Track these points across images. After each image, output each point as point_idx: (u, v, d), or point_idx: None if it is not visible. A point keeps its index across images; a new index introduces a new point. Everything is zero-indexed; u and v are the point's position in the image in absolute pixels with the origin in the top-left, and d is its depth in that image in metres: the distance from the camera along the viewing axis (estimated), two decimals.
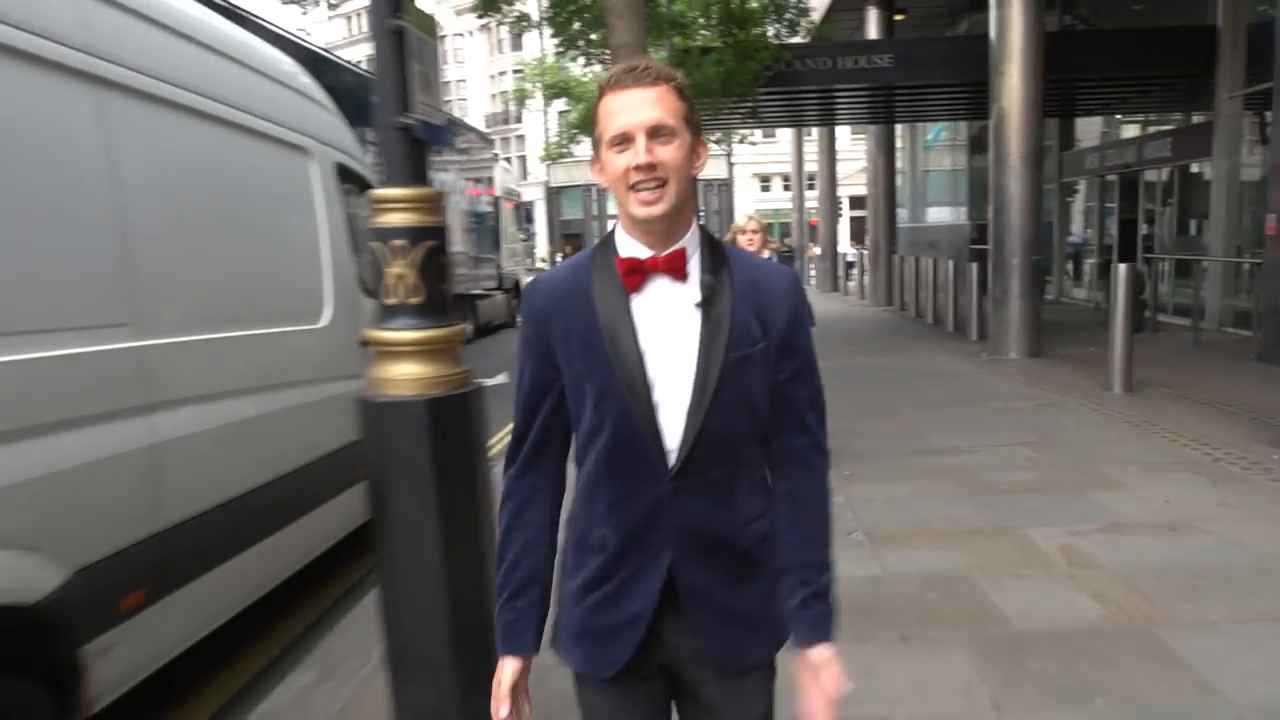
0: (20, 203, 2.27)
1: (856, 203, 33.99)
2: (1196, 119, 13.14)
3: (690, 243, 1.41)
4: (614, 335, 1.37)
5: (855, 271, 22.20)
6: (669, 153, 1.33)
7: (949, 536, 4.30)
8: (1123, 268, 7.98)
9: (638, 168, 1.32)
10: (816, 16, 15.45)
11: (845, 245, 25.64)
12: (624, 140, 1.33)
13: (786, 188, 44.03)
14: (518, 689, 1.47)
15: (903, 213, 25.56)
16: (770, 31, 10.51)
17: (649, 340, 1.37)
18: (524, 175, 47.79)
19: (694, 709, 1.52)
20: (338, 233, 4.09)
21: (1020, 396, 7.90)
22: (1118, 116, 16.69)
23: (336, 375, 3.91)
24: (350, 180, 4.37)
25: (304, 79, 4.20)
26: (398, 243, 2.05)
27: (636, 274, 1.38)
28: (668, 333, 1.38)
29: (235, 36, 3.63)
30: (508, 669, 1.46)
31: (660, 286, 1.39)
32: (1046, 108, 13.58)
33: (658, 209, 1.33)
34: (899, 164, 25.70)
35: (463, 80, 55.20)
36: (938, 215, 25.09)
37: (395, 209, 2.07)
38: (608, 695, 1.49)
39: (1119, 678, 2.92)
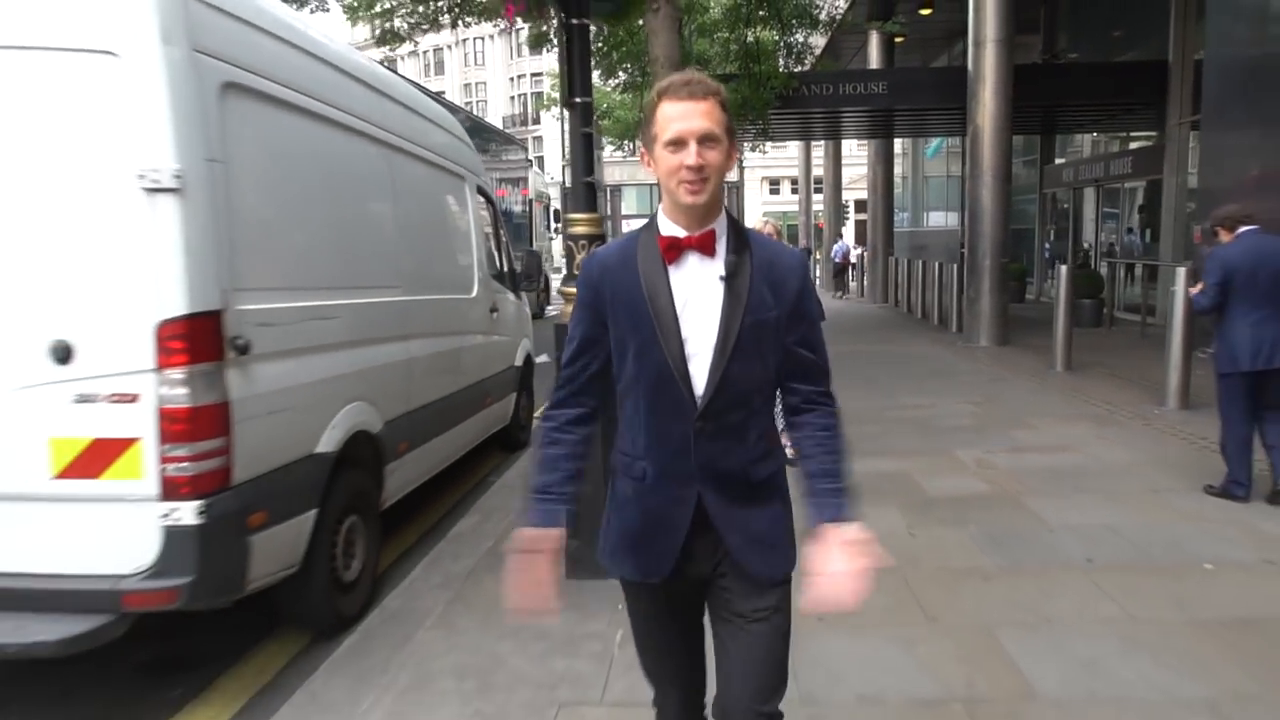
0: (360, 218, 4.10)
1: (861, 206, 35.71)
2: (1152, 141, 14.92)
3: (720, 226, 1.71)
4: (655, 298, 1.67)
5: (854, 271, 24.02)
6: (714, 156, 1.63)
7: (901, 454, 6.08)
8: (1063, 269, 9.79)
9: (689, 167, 1.61)
10: (823, 40, 17.16)
11: (846, 246, 27.25)
12: (679, 143, 1.62)
13: (794, 191, 45.83)
14: (550, 558, 1.73)
15: (905, 216, 27.35)
16: (780, 63, 12.26)
17: (683, 304, 1.67)
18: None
19: (723, 614, 1.80)
20: (479, 233, 5.93)
21: (980, 373, 9.69)
22: (1094, 135, 18.44)
23: (478, 330, 5.74)
24: (483, 195, 6.21)
25: (460, 128, 6.05)
26: (581, 241, 3.86)
27: (674, 249, 1.68)
28: (698, 298, 1.68)
29: (435, 107, 5.50)
30: (545, 541, 1.73)
31: (693, 261, 1.69)
32: (1025, 127, 15.27)
33: (701, 199, 1.63)
34: (904, 171, 27.48)
35: (483, 82, 57.15)
36: (936, 220, 26.84)
37: (579, 225, 3.88)
38: (650, 599, 1.83)
39: (988, 518, 4.72)
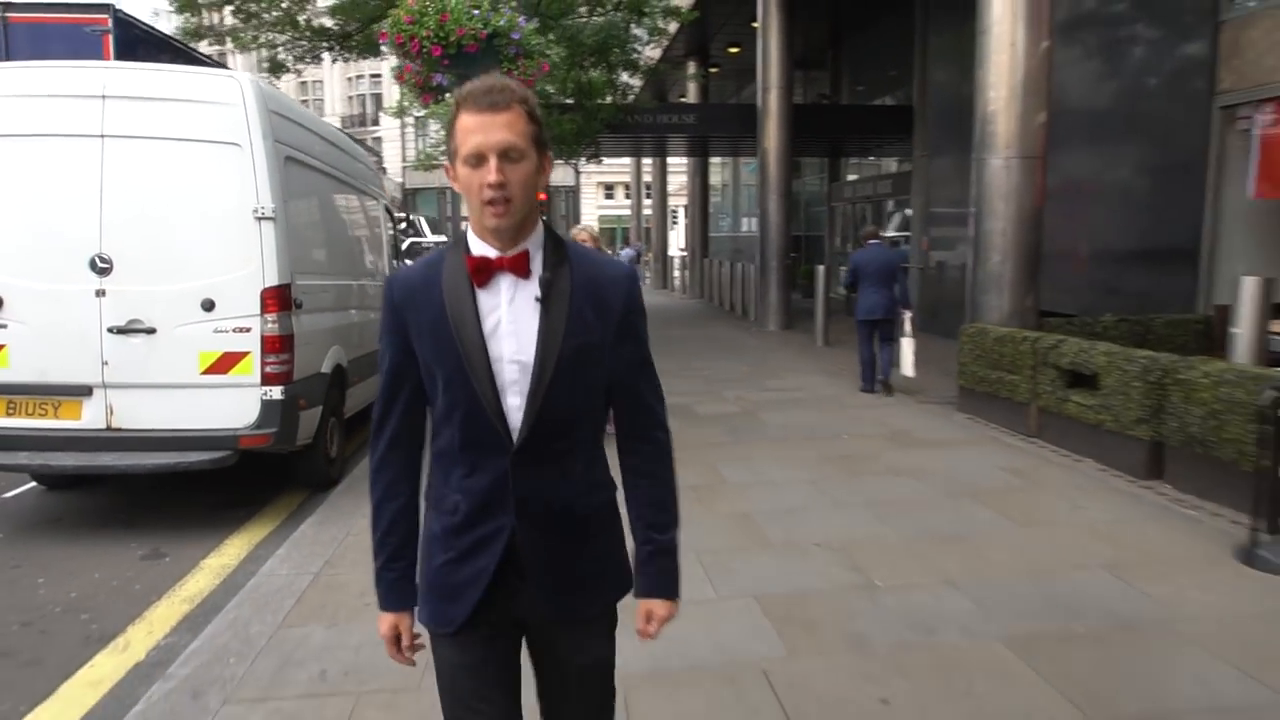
0: (337, 230, 6.36)
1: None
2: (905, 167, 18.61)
3: (534, 244, 1.57)
4: (460, 325, 1.53)
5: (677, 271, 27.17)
6: (517, 172, 1.48)
7: (685, 394, 8.78)
8: (820, 268, 12.94)
9: (489, 185, 1.46)
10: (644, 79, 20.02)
11: (674, 249, 30.44)
12: (478, 159, 1.47)
13: (628, 196, 48.99)
14: (408, 643, 1.69)
15: (727, 222, 30.72)
16: (609, 98, 14.83)
17: (491, 329, 1.54)
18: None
19: (542, 655, 1.72)
20: (386, 237, 8.21)
21: (761, 348, 12.68)
22: (871, 157, 22.18)
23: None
24: (386, 210, 8.48)
25: (372, 164, 8.30)
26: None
27: (484, 271, 1.55)
28: (511, 323, 1.55)
29: (362, 152, 7.75)
30: (403, 625, 1.68)
31: (506, 282, 1.56)
32: (812, 152, 18.61)
33: (505, 221, 1.50)
34: (725, 180, 30.81)
35: (319, 81, 57.04)
36: (752, 225, 30.35)
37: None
38: (453, 648, 1.65)
39: (733, 423, 7.47)
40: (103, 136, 4.74)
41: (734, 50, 20.85)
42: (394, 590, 1.68)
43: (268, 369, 4.91)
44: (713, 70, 22.80)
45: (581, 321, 1.57)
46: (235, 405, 4.91)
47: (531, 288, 1.56)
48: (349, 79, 56.16)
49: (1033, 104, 7.53)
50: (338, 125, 23.70)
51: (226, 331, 4.86)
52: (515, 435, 1.56)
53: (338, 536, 4.68)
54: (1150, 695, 2.95)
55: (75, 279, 4.73)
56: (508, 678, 1.69)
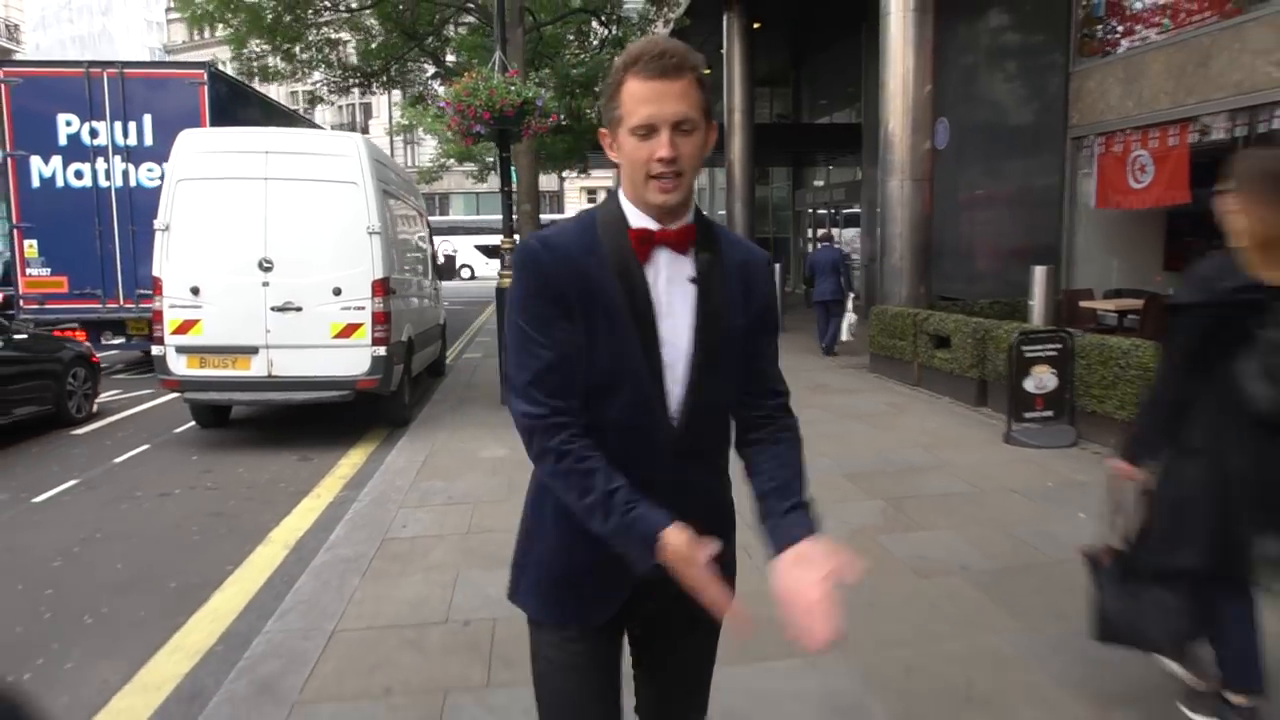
0: (408, 239, 8.73)
1: None
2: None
3: (692, 219, 1.49)
4: (634, 298, 1.42)
5: None
6: (689, 146, 1.40)
7: None
8: (777, 267, 15.43)
9: (662, 159, 1.38)
10: None
11: None
12: (649, 130, 1.38)
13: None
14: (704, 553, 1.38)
15: None
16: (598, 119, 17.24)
17: (658, 309, 1.44)
18: None
19: (652, 663, 1.65)
20: (428, 244, 10.57)
21: None
22: (829, 167, 24.70)
23: (431, 299, 10.34)
24: (425, 222, 10.84)
25: (416, 185, 10.66)
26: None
27: (648, 244, 1.44)
28: (670, 303, 1.45)
29: (411, 177, 10.10)
30: (685, 536, 1.37)
31: (665, 258, 1.46)
32: (776, 162, 21.12)
33: (674, 197, 1.41)
34: (701, 184, 33.29)
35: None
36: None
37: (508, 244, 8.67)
38: (571, 648, 1.55)
39: None
40: (266, 179, 7.08)
41: (705, 71, 23.28)
42: (651, 514, 1.39)
43: (376, 334, 7.26)
44: None
45: (733, 305, 1.50)
46: (354, 360, 7.26)
47: (684, 266, 1.47)
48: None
49: (920, 137, 9.99)
50: (329, 130, 26.16)
51: (350, 309, 7.20)
52: (676, 421, 1.47)
53: (427, 446, 7.04)
54: (918, 492, 5.38)
55: (249, 274, 7.07)
56: (618, 680, 1.62)
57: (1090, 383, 6.38)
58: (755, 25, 17.95)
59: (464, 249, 39.72)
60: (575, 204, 56.54)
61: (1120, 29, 10.18)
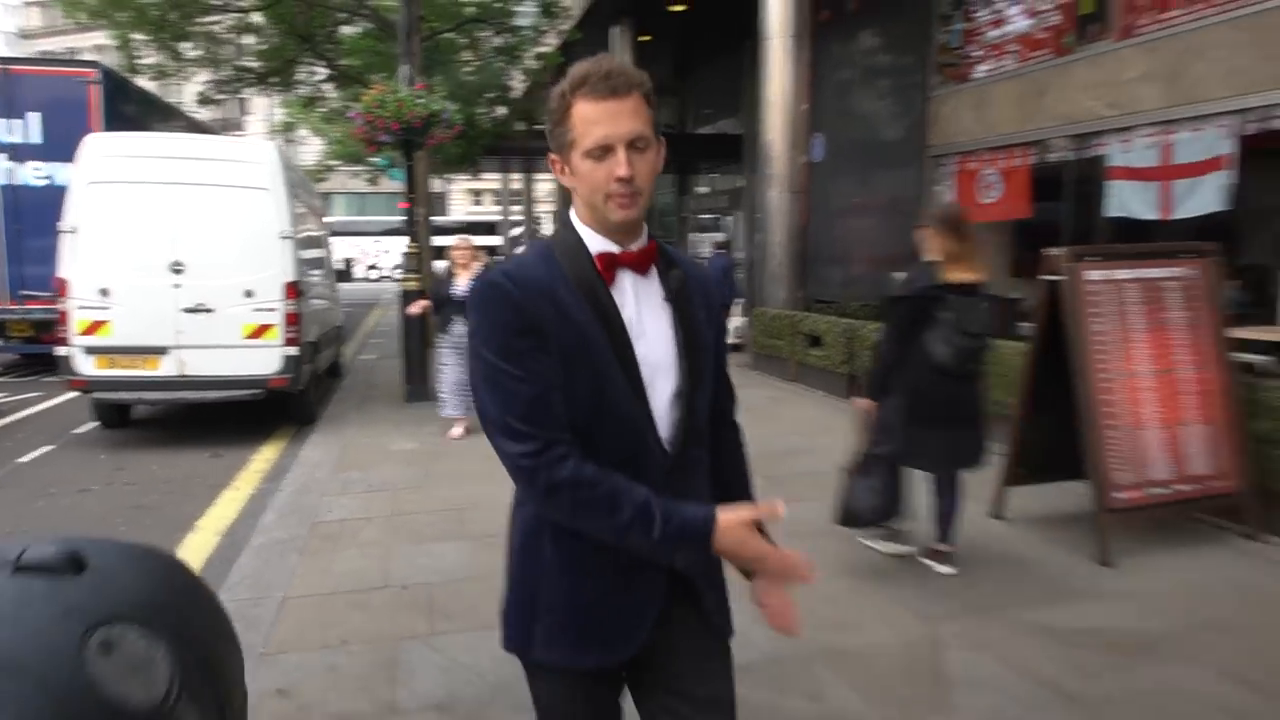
0: (312, 242, 8.99)
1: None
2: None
3: (648, 239, 1.49)
4: (608, 325, 1.41)
5: None
6: (644, 163, 1.40)
7: None
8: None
9: (620, 178, 1.37)
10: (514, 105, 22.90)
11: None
12: (604, 151, 1.37)
13: (497, 202, 51.50)
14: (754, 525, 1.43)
15: None
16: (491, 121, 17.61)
17: (632, 331, 1.44)
18: None
19: (666, 698, 1.54)
20: (327, 248, 10.78)
21: None
22: (714, 174, 25.72)
23: (333, 302, 10.58)
24: (324, 226, 11.04)
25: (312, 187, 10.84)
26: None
27: (613, 268, 1.44)
28: (642, 324, 1.45)
29: (310, 183, 10.30)
30: (740, 518, 1.41)
31: (628, 281, 1.46)
32: (664, 170, 21.83)
33: (633, 214, 1.41)
34: None
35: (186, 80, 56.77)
36: None
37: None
38: (589, 688, 1.53)
39: None
40: (178, 184, 7.26)
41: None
42: (694, 510, 1.40)
43: (288, 335, 7.54)
44: None
45: (705, 322, 1.53)
46: (266, 359, 7.51)
47: (650, 286, 1.48)
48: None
49: (797, 151, 10.87)
50: (203, 120, 25.50)
51: (262, 310, 7.46)
52: (667, 444, 1.46)
53: (339, 441, 7.37)
54: (794, 471, 6.11)
55: (159, 276, 7.24)
56: (619, 714, 1.61)
57: None
58: (643, 38, 18.67)
59: (345, 249, 39.18)
60: (460, 206, 56.46)
61: (973, 60, 11.32)
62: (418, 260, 9.14)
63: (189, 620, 1.33)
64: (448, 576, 4.27)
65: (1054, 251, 4.60)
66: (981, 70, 11.19)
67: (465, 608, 3.88)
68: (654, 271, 1.50)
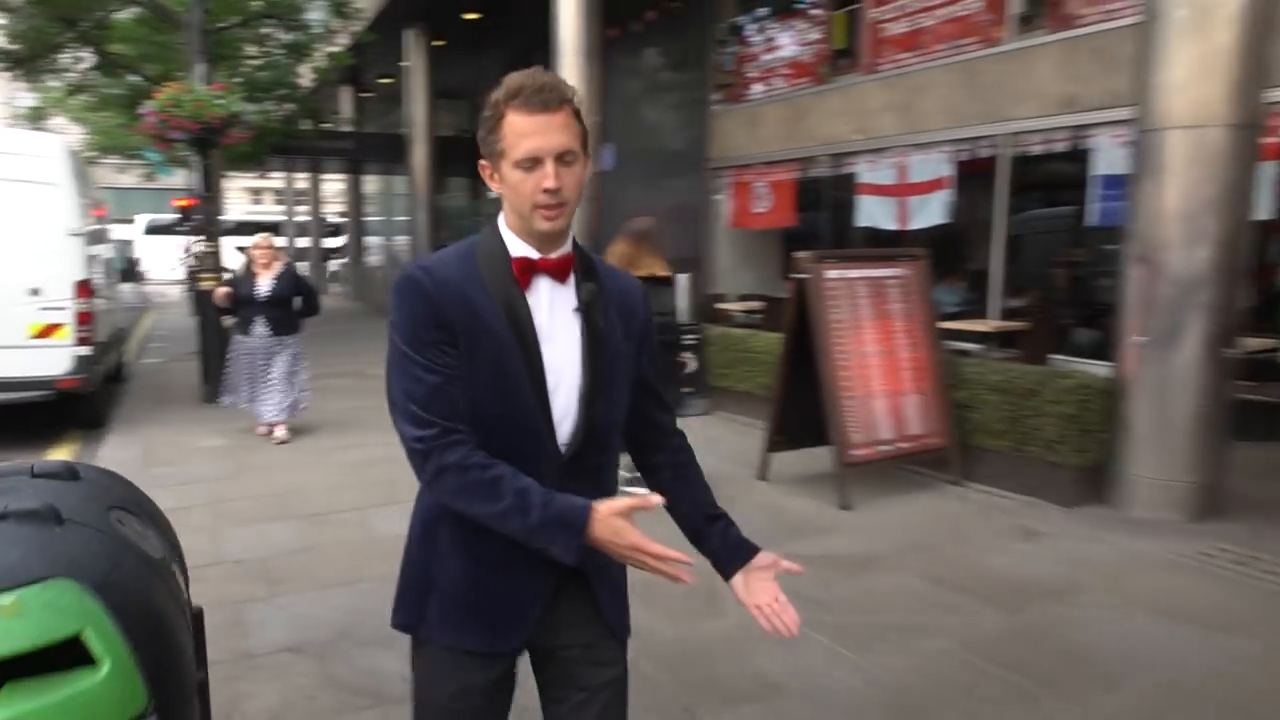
0: (96, 239, 8.72)
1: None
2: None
3: (570, 249, 1.56)
4: (516, 326, 1.48)
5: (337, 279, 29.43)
6: (571, 176, 1.47)
7: (359, 364, 11.81)
8: None
9: (547, 190, 1.43)
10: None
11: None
12: (534, 162, 1.43)
13: (280, 202, 49.16)
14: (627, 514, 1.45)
15: (381, 229, 33.18)
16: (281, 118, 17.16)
17: (541, 335, 1.50)
18: None
19: (560, 677, 1.62)
20: (115, 246, 10.38)
21: None
22: None
23: (120, 306, 10.23)
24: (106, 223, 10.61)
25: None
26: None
27: (529, 273, 1.51)
28: (553, 330, 1.51)
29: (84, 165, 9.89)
30: (615, 509, 1.45)
31: (545, 286, 1.52)
32: (459, 173, 22.10)
33: (560, 223, 1.48)
34: (380, 188, 33.22)
35: None
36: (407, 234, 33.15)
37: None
38: (475, 673, 1.56)
39: None
40: None
41: (386, 80, 23.72)
42: (562, 509, 1.44)
43: (80, 334, 7.38)
44: (367, 95, 25.51)
45: (616, 333, 1.57)
46: (55, 359, 7.31)
47: (566, 294, 1.54)
48: None
49: (590, 162, 11.60)
50: None
51: (50, 309, 7.26)
52: (563, 447, 1.52)
53: (140, 441, 7.32)
54: None
55: None
56: (508, 704, 1.65)
57: (718, 364, 8.22)
58: (437, 43, 18.87)
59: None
60: (238, 204, 53.40)
61: (746, 82, 12.55)
62: (214, 259, 9.08)
63: (154, 515, 1.83)
64: (279, 551, 4.60)
65: (801, 255, 5.56)
66: (753, 92, 12.43)
67: (301, 574, 4.26)
68: (572, 280, 1.56)
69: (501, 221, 1.57)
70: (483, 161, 1.54)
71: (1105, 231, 7.86)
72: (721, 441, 6.97)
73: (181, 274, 23.80)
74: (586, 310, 1.55)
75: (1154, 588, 4.17)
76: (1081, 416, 5.23)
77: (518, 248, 1.53)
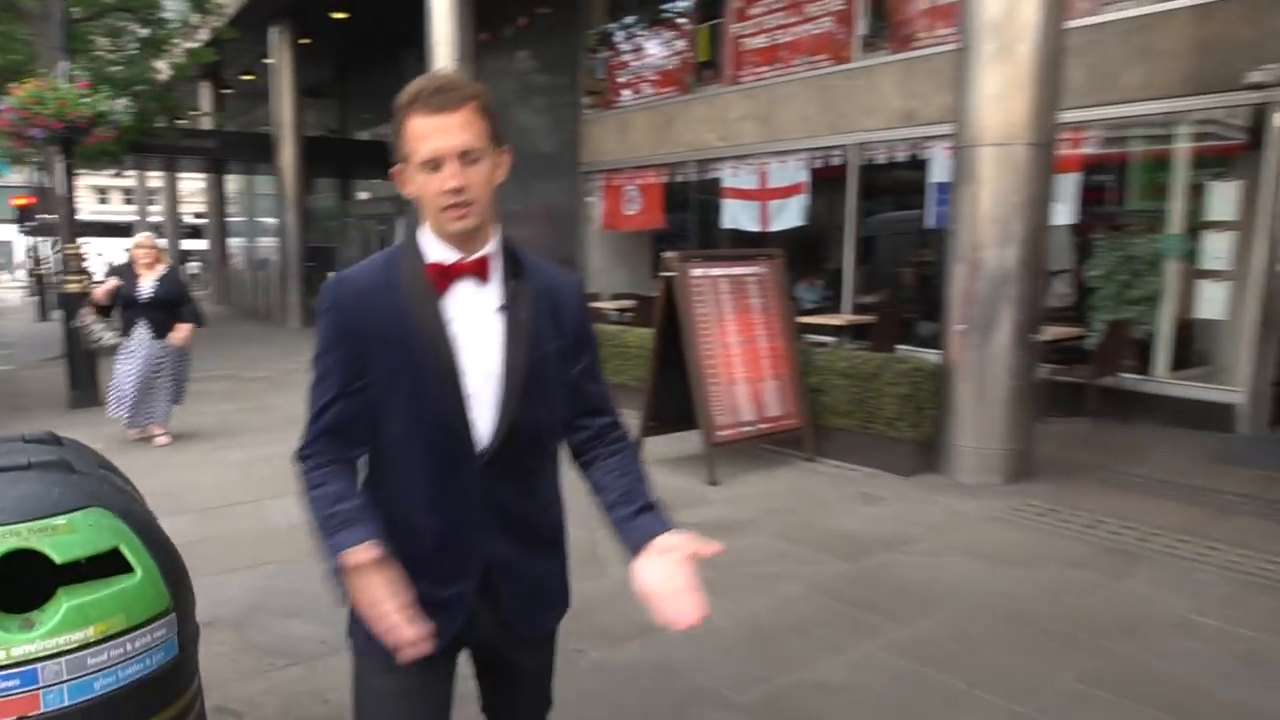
0: None
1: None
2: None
3: (493, 249, 1.55)
4: (428, 333, 1.48)
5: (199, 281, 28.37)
6: (476, 174, 1.46)
7: (233, 368, 11.69)
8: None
9: (449, 190, 1.44)
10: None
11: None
12: (436, 164, 1.44)
13: (128, 201, 46.71)
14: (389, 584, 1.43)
15: (244, 230, 32.10)
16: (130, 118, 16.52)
17: (457, 339, 1.50)
18: None
19: (494, 676, 1.72)
20: None
21: (285, 339, 15.71)
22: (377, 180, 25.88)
23: None
24: None
25: None
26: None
27: (444, 277, 1.51)
28: (474, 332, 1.51)
29: None
30: (369, 557, 1.42)
31: (465, 289, 1.52)
32: (326, 174, 21.83)
33: (468, 223, 1.47)
34: (240, 189, 32.11)
35: None
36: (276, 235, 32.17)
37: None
38: (398, 675, 1.53)
39: (272, 382, 10.71)
40: None
41: (248, 77, 23.12)
42: (356, 522, 1.45)
43: None
44: (227, 91, 24.76)
45: (543, 331, 1.55)
46: None
47: (491, 295, 1.53)
48: None
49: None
50: None
51: None
52: (485, 450, 1.52)
53: None
54: None
55: None
56: (448, 700, 1.65)
57: None
58: (303, 40, 18.61)
59: None
60: (87, 203, 50.29)
61: (615, 89, 13.07)
62: (78, 260, 8.89)
63: (124, 477, 2.17)
64: (181, 541, 4.74)
65: (669, 255, 6.09)
66: (623, 99, 12.98)
67: (205, 561, 4.44)
68: (494, 280, 1.56)
69: (425, 227, 1.58)
70: (394, 167, 1.55)
71: (942, 233, 8.79)
72: None
73: (23, 278, 22.47)
74: (509, 309, 1.54)
75: (970, 537, 4.89)
76: (915, 396, 5.96)
77: (436, 252, 1.53)
